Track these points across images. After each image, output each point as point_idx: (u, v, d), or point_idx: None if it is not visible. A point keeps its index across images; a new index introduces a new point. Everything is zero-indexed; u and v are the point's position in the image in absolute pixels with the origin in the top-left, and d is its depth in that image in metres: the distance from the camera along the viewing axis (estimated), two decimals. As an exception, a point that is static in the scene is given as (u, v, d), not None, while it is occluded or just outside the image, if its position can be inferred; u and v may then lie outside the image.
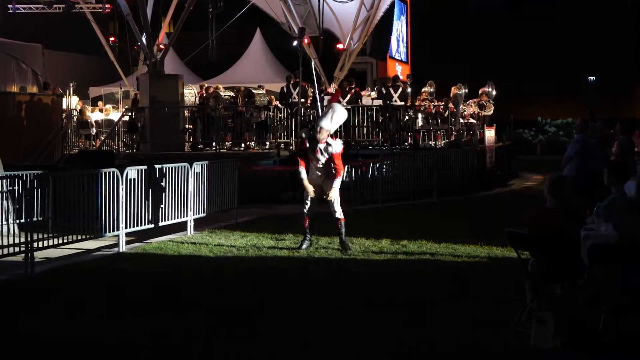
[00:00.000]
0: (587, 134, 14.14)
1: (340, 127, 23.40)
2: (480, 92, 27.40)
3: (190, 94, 25.94)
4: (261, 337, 7.69)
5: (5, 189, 12.29)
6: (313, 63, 26.42)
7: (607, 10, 49.30)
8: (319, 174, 12.54)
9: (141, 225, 13.36)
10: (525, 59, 49.56)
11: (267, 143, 24.52)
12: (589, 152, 13.67)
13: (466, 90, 26.97)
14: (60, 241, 11.96)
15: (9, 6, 30.25)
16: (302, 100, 23.97)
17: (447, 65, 43.74)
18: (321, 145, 12.39)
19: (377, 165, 20.59)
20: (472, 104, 27.20)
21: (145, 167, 13.63)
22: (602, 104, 48.13)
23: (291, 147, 23.22)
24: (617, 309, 7.22)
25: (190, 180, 14.61)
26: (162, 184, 13.90)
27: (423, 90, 27.07)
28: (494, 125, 26.35)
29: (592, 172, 13.05)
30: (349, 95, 24.24)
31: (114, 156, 21.82)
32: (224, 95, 25.45)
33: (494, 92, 27.50)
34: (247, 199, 17.22)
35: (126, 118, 25.91)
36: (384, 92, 24.42)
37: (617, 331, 7.22)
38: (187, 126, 25.15)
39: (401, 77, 27.61)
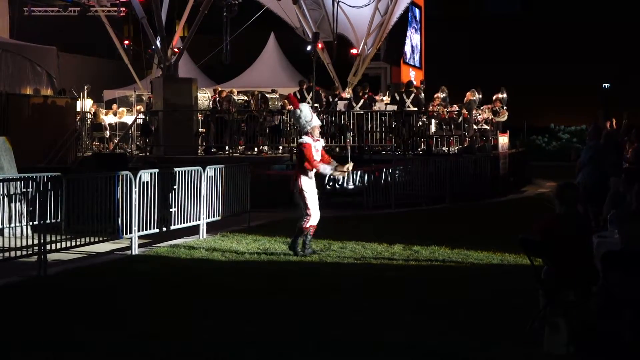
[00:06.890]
0: (600, 141, 14.10)
1: (354, 131, 23.60)
2: (494, 98, 27.32)
3: (204, 97, 26.02)
4: (273, 339, 7.69)
5: (19, 190, 12.34)
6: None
7: (623, 14, 49.03)
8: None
9: (154, 228, 13.39)
10: (539, 65, 49.40)
11: (280, 147, 24.54)
12: (602, 159, 13.63)
13: (480, 96, 26.89)
14: (73, 243, 12.00)
15: (25, 9, 30.47)
16: (316, 104, 23.97)
17: (461, 71, 43.67)
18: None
19: (390, 170, 20.58)
20: (486, 110, 27.12)
21: (158, 170, 13.66)
22: (616, 110, 47.85)
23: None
24: (630, 316, 7.19)
25: (203, 184, 14.63)
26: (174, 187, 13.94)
27: (436, 95, 27.02)
28: (508, 131, 26.27)
29: (606, 178, 13.02)
30: (362, 100, 24.21)
31: (127, 159, 21.89)
32: (238, 99, 25.50)
33: (506, 97, 27.41)
34: (260, 203, 17.23)
35: (140, 121, 25.99)
36: (398, 97, 24.39)
37: (631, 338, 7.18)
38: (200, 130, 25.20)
39: (415, 83, 27.57)
